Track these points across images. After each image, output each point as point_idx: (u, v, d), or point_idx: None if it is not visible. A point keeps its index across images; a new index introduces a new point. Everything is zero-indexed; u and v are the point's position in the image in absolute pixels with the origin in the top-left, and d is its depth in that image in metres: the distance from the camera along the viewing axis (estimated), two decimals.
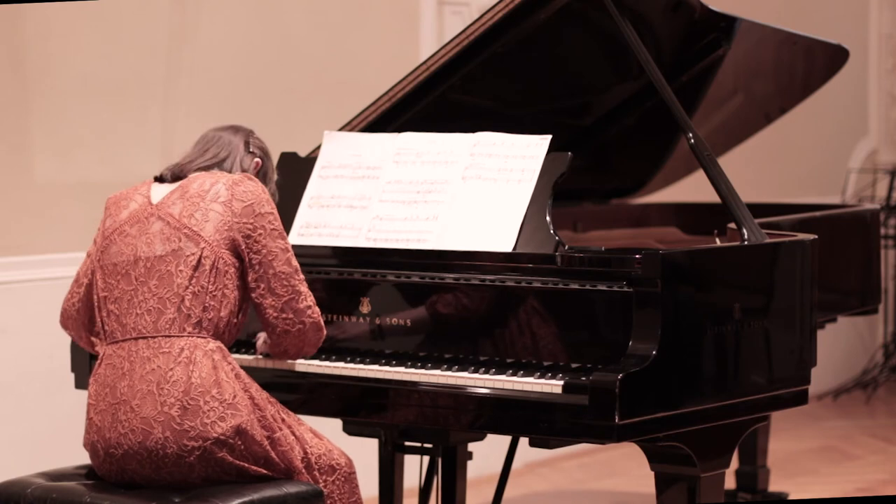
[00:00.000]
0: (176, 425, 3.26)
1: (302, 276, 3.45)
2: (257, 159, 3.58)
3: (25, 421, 4.98)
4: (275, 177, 3.66)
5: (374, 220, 3.75)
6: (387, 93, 4.03)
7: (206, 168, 3.51)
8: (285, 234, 3.45)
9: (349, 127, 4.06)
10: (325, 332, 3.53)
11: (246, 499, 3.25)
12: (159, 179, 3.50)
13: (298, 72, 5.74)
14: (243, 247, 3.38)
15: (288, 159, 4.00)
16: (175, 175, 3.48)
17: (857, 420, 7.69)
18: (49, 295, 5.03)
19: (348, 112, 4.23)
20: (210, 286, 3.34)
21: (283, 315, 3.43)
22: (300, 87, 5.74)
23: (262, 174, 3.59)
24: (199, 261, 3.34)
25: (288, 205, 3.89)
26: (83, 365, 3.86)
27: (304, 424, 3.47)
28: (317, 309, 3.49)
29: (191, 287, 3.33)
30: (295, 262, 3.44)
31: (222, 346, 3.37)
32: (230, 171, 3.52)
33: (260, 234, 3.38)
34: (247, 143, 3.58)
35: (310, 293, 3.47)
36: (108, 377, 3.35)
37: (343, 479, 3.45)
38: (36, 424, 5.00)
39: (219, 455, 3.27)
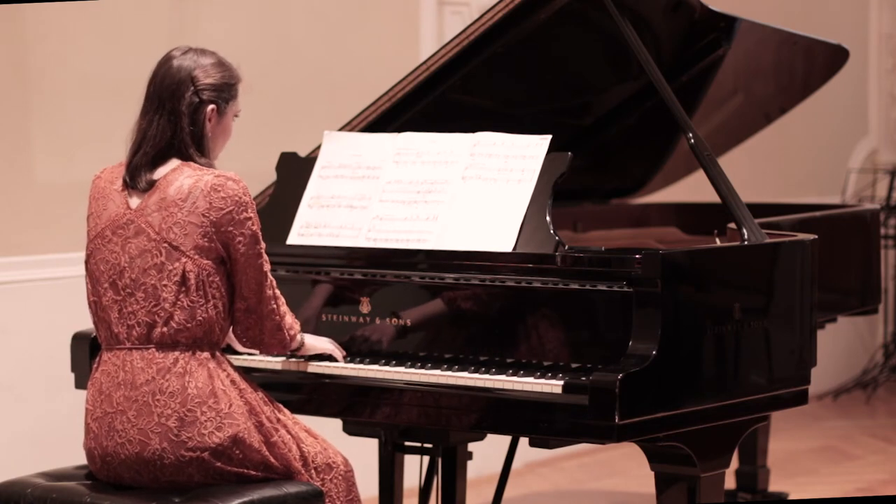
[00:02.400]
0: (173, 436, 3.25)
1: (270, 280, 3.40)
2: (210, 106, 3.38)
3: (25, 421, 4.98)
4: (238, 98, 3.45)
5: (374, 220, 3.75)
6: (387, 93, 4.02)
7: (161, 156, 3.33)
8: (261, 238, 3.36)
9: (349, 127, 4.06)
10: (285, 334, 3.45)
11: (246, 499, 3.24)
12: (127, 185, 3.36)
13: (298, 72, 5.74)
14: (224, 254, 3.34)
15: (288, 159, 4.00)
16: (143, 187, 3.33)
17: (857, 420, 7.69)
18: (49, 295, 5.04)
19: (348, 112, 4.23)
20: (199, 300, 3.30)
21: (246, 316, 3.40)
22: (300, 87, 5.74)
23: (220, 112, 3.40)
24: (182, 276, 3.29)
25: (288, 205, 3.89)
26: (83, 365, 3.86)
27: (300, 423, 3.47)
28: (280, 311, 3.43)
29: (179, 303, 3.29)
30: (266, 267, 3.38)
31: (216, 352, 3.36)
32: (184, 148, 3.33)
33: (239, 242, 3.33)
34: (196, 92, 3.36)
35: (276, 296, 3.42)
36: (104, 384, 3.34)
37: (340, 477, 3.44)
38: (36, 424, 5.00)
39: (217, 465, 3.27)
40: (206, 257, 3.31)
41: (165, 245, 3.30)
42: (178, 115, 3.35)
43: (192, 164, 3.35)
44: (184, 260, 3.29)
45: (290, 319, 3.49)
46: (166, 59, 3.41)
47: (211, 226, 3.30)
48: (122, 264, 3.33)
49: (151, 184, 3.34)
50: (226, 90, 3.43)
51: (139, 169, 3.35)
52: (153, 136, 3.35)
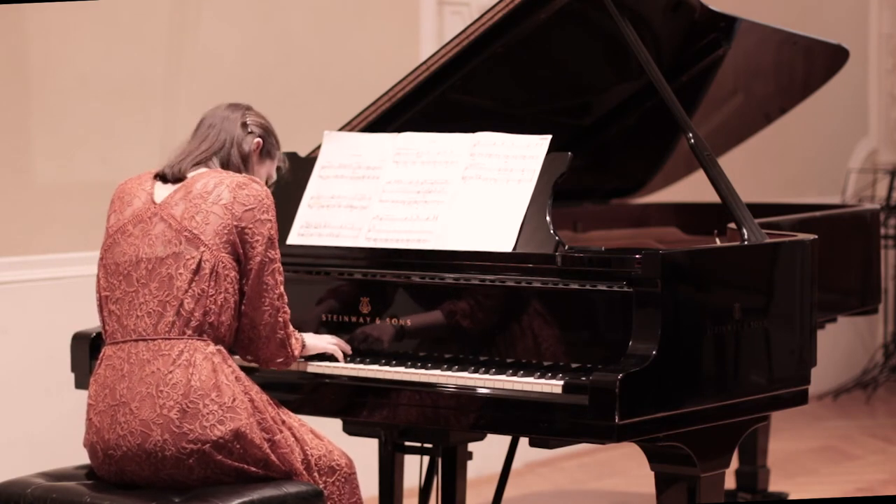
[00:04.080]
0: (175, 428, 3.26)
1: (281, 291, 3.42)
2: (257, 139, 3.54)
3: (25, 421, 4.98)
4: (279, 154, 3.63)
5: (374, 220, 3.75)
6: (387, 93, 4.03)
7: (204, 161, 3.47)
8: (276, 244, 3.41)
9: (349, 127, 4.06)
10: (290, 350, 3.47)
11: (246, 499, 3.25)
12: (161, 178, 3.46)
13: (298, 72, 5.74)
14: (241, 251, 3.37)
15: (288, 159, 4.00)
16: (175, 176, 3.44)
17: (857, 420, 7.69)
18: (49, 295, 5.04)
19: (348, 112, 4.23)
20: (210, 290, 3.33)
21: (252, 325, 3.41)
22: (300, 87, 5.74)
23: (265, 152, 3.57)
24: (199, 264, 3.32)
25: (288, 205, 3.89)
26: (83, 365, 3.86)
27: (306, 425, 3.47)
28: (288, 330, 3.45)
29: (190, 291, 3.31)
30: (279, 276, 3.41)
31: (222, 348, 3.36)
32: (229, 159, 3.48)
33: (256, 241, 3.36)
34: (244, 125, 3.53)
35: (285, 311, 3.43)
36: (108, 378, 3.35)
37: (343, 479, 3.45)
38: (36, 424, 5.00)
39: (217, 458, 3.27)
40: (224, 251, 3.34)
41: (186, 234, 3.34)
42: (228, 136, 3.51)
43: (220, 170, 3.46)
44: (202, 249, 3.33)
45: (293, 340, 3.50)
46: (216, 107, 3.59)
47: (232, 219, 3.34)
48: (140, 255, 3.37)
49: (182, 178, 3.42)
50: (271, 136, 3.60)
51: (178, 164, 3.46)
52: (198, 147, 3.49)
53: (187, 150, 3.50)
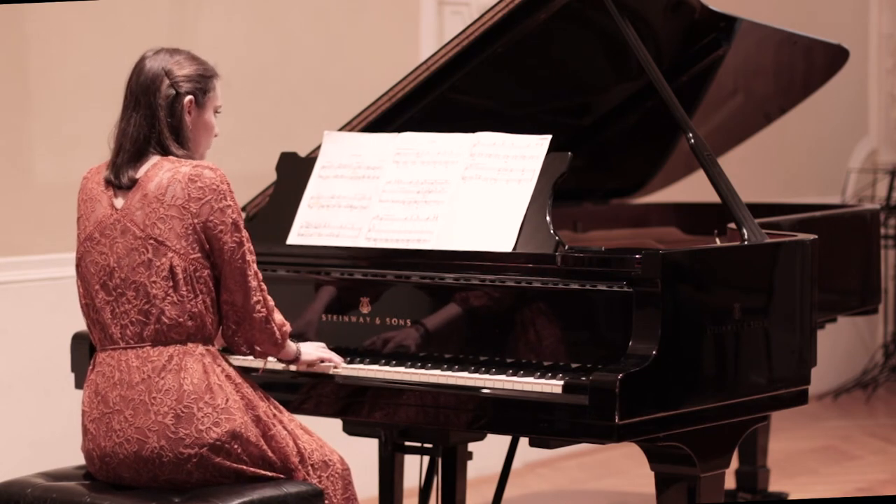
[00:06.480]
0: (171, 433, 3.25)
1: (255, 270, 3.37)
2: (188, 97, 3.38)
3: (25, 421, 4.98)
4: (214, 93, 3.43)
5: (374, 220, 3.75)
6: (387, 93, 4.03)
7: (143, 151, 3.34)
8: (242, 225, 3.35)
9: (349, 127, 4.06)
10: (275, 328, 3.40)
11: (246, 499, 3.24)
12: (115, 185, 3.36)
13: (298, 72, 5.74)
14: (207, 246, 3.33)
15: (288, 159, 4.00)
16: (128, 185, 3.34)
17: (857, 420, 7.69)
18: (49, 295, 5.04)
19: (348, 112, 4.23)
20: (189, 294, 3.30)
21: (233, 311, 3.38)
22: (300, 87, 5.74)
23: (198, 104, 3.39)
24: (170, 270, 3.28)
25: (288, 205, 3.89)
26: (83, 365, 3.85)
27: (295, 421, 3.46)
28: (268, 305, 3.40)
29: (168, 299, 3.28)
30: (249, 256, 3.35)
31: (211, 347, 3.35)
32: (162, 141, 3.35)
33: (220, 231, 3.31)
34: (171, 84, 3.36)
35: (261, 288, 3.39)
36: (100, 385, 3.34)
37: (337, 475, 3.43)
38: (36, 424, 5.00)
39: (216, 460, 3.26)
40: (192, 251, 3.30)
41: (151, 241, 3.30)
42: (155, 108, 3.36)
43: (170, 157, 3.36)
44: (170, 255, 3.29)
45: (279, 317, 3.45)
46: (140, 61, 3.43)
47: (192, 217, 3.30)
48: (111, 265, 3.33)
49: (134, 181, 3.34)
50: (202, 82, 3.42)
51: (122, 167, 3.36)
52: (132, 133, 3.37)
53: (120, 139, 3.38)
